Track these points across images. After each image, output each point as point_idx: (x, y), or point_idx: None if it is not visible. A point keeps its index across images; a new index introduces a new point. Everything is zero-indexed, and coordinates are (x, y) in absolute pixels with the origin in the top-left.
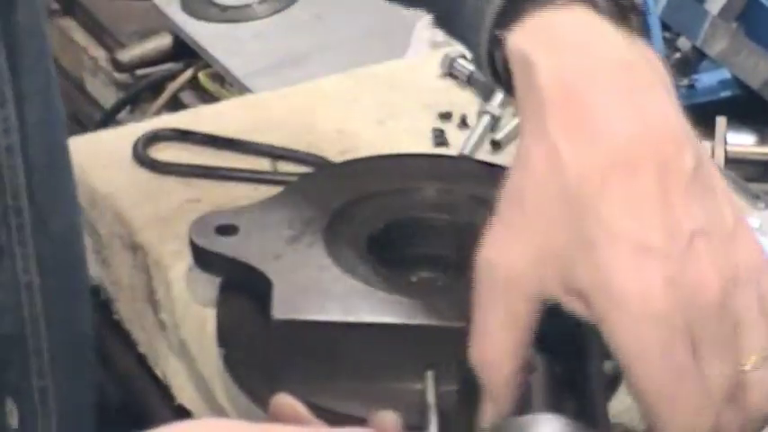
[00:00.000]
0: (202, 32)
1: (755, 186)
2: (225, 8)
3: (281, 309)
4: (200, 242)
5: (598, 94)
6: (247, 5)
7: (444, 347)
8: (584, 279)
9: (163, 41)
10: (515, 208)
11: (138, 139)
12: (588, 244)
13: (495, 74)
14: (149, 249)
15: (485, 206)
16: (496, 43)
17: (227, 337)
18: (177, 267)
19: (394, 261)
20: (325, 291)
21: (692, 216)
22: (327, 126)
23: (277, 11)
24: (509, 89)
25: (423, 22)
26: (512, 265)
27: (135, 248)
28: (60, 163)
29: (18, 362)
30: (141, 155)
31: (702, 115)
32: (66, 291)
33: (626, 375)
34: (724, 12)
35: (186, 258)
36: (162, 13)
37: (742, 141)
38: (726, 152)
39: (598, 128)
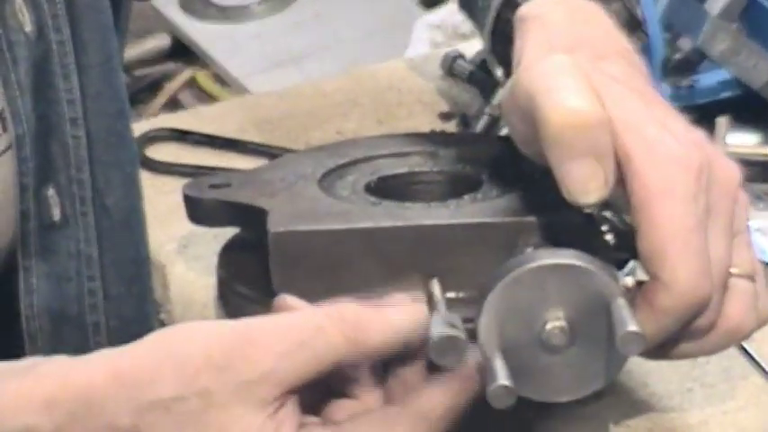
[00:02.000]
0: (201, 33)
1: (756, 187)
2: (223, 8)
3: (277, 223)
4: (194, 194)
5: (599, 34)
6: (246, 6)
7: (447, 250)
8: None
9: (161, 42)
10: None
11: (136, 140)
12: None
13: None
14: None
15: (471, 162)
16: (509, 7)
17: (226, 293)
18: (175, 268)
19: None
20: (321, 211)
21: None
22: (326, 126)
23: (275, 11)
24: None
25: (422, 22)
26: None
27: None
28: (118, 138)
29: (77, 334)
30: (139, 155)
31: (703, 116)
32: (123, 268)
33: (645, 216)
34: (724, 12)
35: (184, 259)
36: (160, 13)
37: (743, 142)
38: (726, 153)
39: (595, 50)
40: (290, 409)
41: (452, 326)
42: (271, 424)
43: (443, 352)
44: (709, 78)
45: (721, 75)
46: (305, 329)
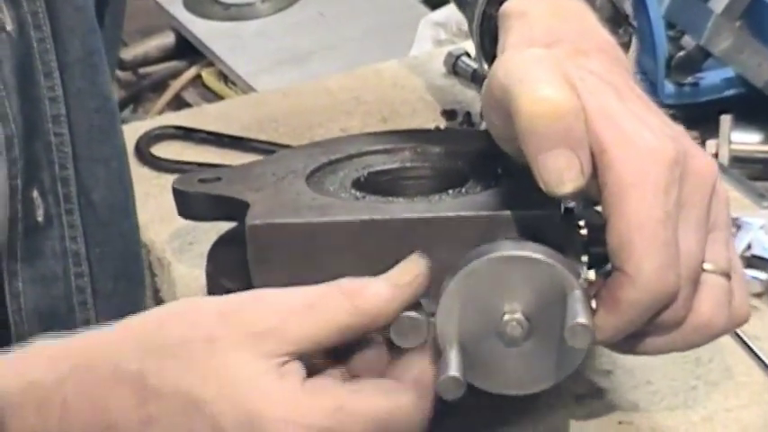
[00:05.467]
0: (205, 31)
1: (760, 185)
2: (228, 6)
3: (255, 216)
4: (183, 187)
5: (580, 30)
6: (250, 4)
7: (424, 244)
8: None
9: (166, 40)
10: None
11: (141, 138)
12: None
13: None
14: (152, 247)
15: (462, 158)
16: (493, 4)
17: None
18: (180, 265)
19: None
20: (301, 204)
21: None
22: (331, 124)
23: (280, 9)
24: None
25: (426, 21)
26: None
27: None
28: (102, 134)
29: (67, 333)
30: (144, 153)
31: (707, 113)
32: (111, 263)
33: (615, 207)
34: (728, 10)
35: (189, 256)
36: (165, 11)
37: (746, 139)
38: (730, 150)
39: (575, 45)
40: (296, 366)
41: (415, 308)
42: (276, 371)
43: (404, 333)
44: (712, 76)
45: (725, 72)
46: (312, 295)
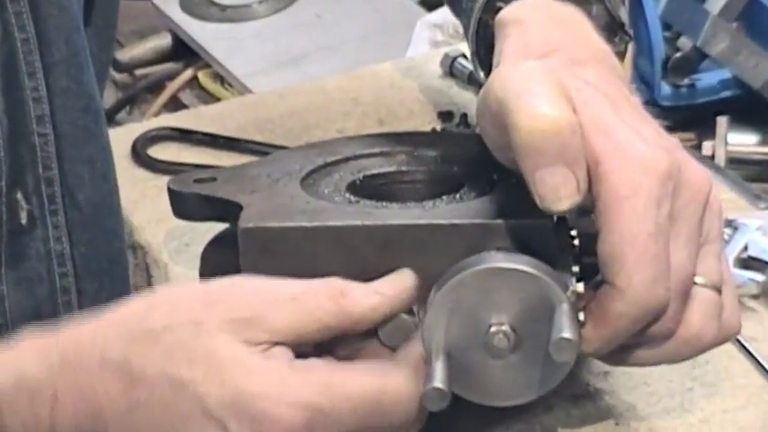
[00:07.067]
0: (202, 32)
1: (756, 186)
2: (224, 8)
3: (248, 219)
4: (178, 188)
5: (576, 39)
6: (247, 5)
7: (414, 251)
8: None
9: (162, 41)
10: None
11: (137, 139)
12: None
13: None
14: (149, 249)
15: (457, 163)
16: (489, 11)
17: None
18: (177, 266)
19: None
20: (294, 208)
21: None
22: (327, 126)
23: (277, 11)
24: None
25: (423, 22)
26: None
27: (135, 248)
28: (87, 134)
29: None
30: (140, 155)
31: (703, 115)
32: (97, 262)
33: (607, 219)
34: (724, 11)
35: (186, 258)
36: (161, 12)
37: (743, 141)
38: (726, 152)
39: (571, 55)
40: (282, 350)
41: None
42: (260, 353)
43: (391, 333)
44: (709, 78)
45: (721, 74)
46: (297, 288)
